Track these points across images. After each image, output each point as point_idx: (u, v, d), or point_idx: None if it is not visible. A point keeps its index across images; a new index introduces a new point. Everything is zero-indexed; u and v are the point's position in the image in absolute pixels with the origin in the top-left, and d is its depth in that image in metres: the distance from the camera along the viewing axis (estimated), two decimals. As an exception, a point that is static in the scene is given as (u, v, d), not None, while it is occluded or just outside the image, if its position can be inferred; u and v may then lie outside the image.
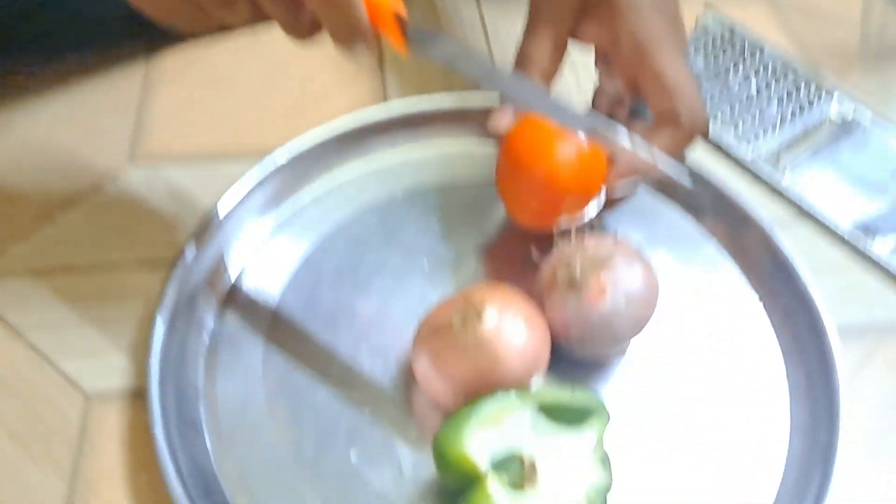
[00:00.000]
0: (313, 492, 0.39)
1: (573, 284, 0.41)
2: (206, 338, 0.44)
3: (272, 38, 0.61)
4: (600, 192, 0.46)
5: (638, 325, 0.42)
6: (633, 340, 0.44)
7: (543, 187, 0.45)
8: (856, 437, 0.43)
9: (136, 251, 0.49)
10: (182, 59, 0.60)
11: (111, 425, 0.42)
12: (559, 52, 0.48)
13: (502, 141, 0.47)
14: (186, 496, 0.37)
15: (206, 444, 0.41)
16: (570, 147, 0.44)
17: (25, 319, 0.46)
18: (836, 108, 0.58)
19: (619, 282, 0.41)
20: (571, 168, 0.44)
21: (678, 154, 0.46)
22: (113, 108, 0.56)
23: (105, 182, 0.52)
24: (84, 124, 0.55)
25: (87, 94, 0.57)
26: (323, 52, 0.61)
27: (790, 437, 0.42)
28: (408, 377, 0.43)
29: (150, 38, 0.60)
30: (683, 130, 0.45)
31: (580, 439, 0.38)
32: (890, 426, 0.44)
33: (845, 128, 0.57)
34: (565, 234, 0.44)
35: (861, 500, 0.41)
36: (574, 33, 0.48)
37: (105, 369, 0.44)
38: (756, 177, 0.55)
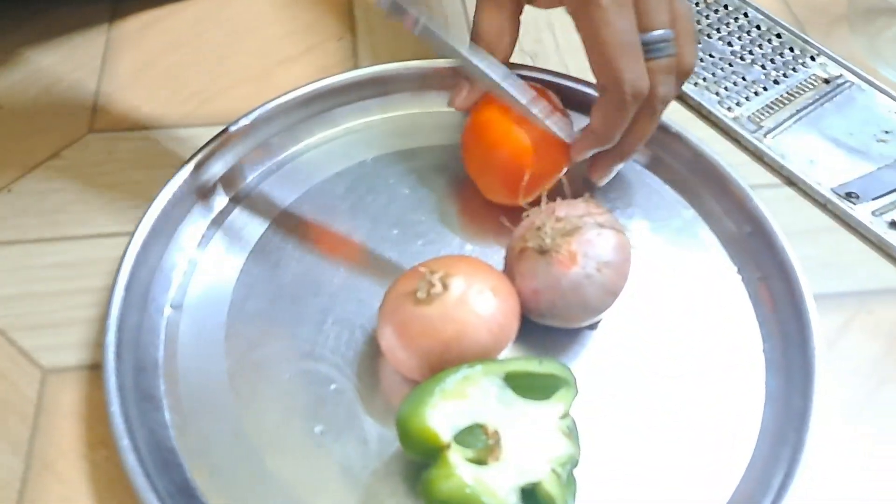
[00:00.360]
0: (275, 465, 0.38)
1: (543, 251, 0.40)
2: (166, 311, 0.43)
3: (238, 1, 0.60)
4: (564, 167, 0.45)
5: (610, 294, 0.41)
6: (606, 312, 0.43)
7: (507, 167, 0.44)
8: (833, 404, 0.43)
9: (94, 222, 0.48)
10: (145, 23, 0.59)
11: (69, 401, 0.41)
12: (510, 25, 0.45)
13: (467, 118, 0.46)
14: (143, 472, 0.36)
15: (165, 419, 0.40)
16: (533, 126, 0.44)
17: (-20, 294, 0.45)
18: (820, 70, 0.57)
19: (591, 248, 0.40)
20: (534, 147, 0.44)
21: (609, 124, 0.43)
22: (74, 73, 0.55)
23: (64, 150, 0.51)
24: (44, 89, 0.54)
25: (48, 59, 0.56)
26: (291, 15, 0.59)
27: (764, 406, 0.41)
28: (374, 349, 0.42)
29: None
30: (606, 98, 0.42)
31: (547, 411, 0.36)
32: (868, 393, 0.44)
33: (829, 91, 0.56)
34: (535, 201, 0.42)
35: (838, 468, 0.41)
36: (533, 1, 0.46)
37: (62, 344, 0.43)
38: (737, 141, 0.54)
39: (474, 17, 0.46)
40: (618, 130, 0.42)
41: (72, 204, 0.48)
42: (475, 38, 0.45)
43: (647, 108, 0.42)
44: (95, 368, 0.42)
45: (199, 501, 0.37)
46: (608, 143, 0.43)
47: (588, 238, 0.40)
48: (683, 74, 0.43)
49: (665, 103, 0.43)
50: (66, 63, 0.56)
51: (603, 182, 0.46)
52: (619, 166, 0.46)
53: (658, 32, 0.41)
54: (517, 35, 0.46)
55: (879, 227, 0.49)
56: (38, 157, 0.50)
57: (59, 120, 0.52)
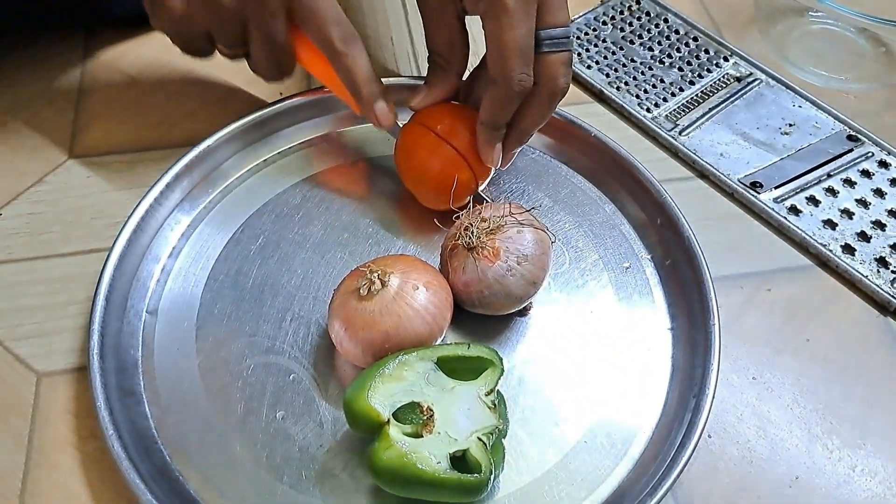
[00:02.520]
0: (243, 448, 0.44)
1: (471, 248, 0.45)
2: (143, 316, 0.48)
3: None
4: (487, 177, 0.51)
5: (531, 284, 0.46)
6: (534, 300, 0.49)
7: (438, 179, 0.50)
8: (735, 371, 0.48)
9: (77, 241, 0.52)
10: (116, 54, 0.63)
11: (61, 400, 0.46)
12: (459, 37, 0.50)
13: (397, 137, 0.51)
14: (128, 458, 0.41)
15: (146, 412, 0.45)
16: (458, 139, 0.49)
17: (-23, 309, 0.49)
18: (733, 70, 0.63)
19: (511, 244, 0.45)
20: (461, 158, 0.49)
21: (496, 113, 0.47)
22: (52, 104, 0.60)
23: (47, 176, 0.55)
24: (25, 121, 0.59)
25: (27, 91, 0.60)
26: None
27: (670, 377, 0.47)
28: (328, 342, 0.47)
29: (87, 27, 0.63)
30: (495, 90, 0.46)
31: (474, 389, 0.42)
32: (766, 361, 0.49)
33: (740, 89, 0.61)
34: (465, 206, 0.48)
35: (737, 426, 0.47)
36: (466, 12, 0.50)
37: (53, 350, 0.48)
38: (655, 139, 0.59)
39: (426, 36, 0.51)
40: (503, 119, 0.48)
41: (56, 225, 0.53)
42: (431, 55, 0.51)
43: (543, 96, 0.47)
44: (83, 370, 0.47)
45: (179, 482, 0.43)
46: (496, 127, 0.48)
47: (509, 235, 0.46)
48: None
49: (564, 93, 0.48)
50: (45, 94, 0.60)
51: (506, 166, 0.51)
52: (518, 150, 0.51)
53: (559, 30, 0.46)
54: (468, 43, 0.51)
55: (780, 213, 0.55)
56: (24, 183, 0.55)
57: (42, 148, 0.57)
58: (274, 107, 0.56)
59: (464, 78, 0.52)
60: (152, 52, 0.63)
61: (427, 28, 0.51)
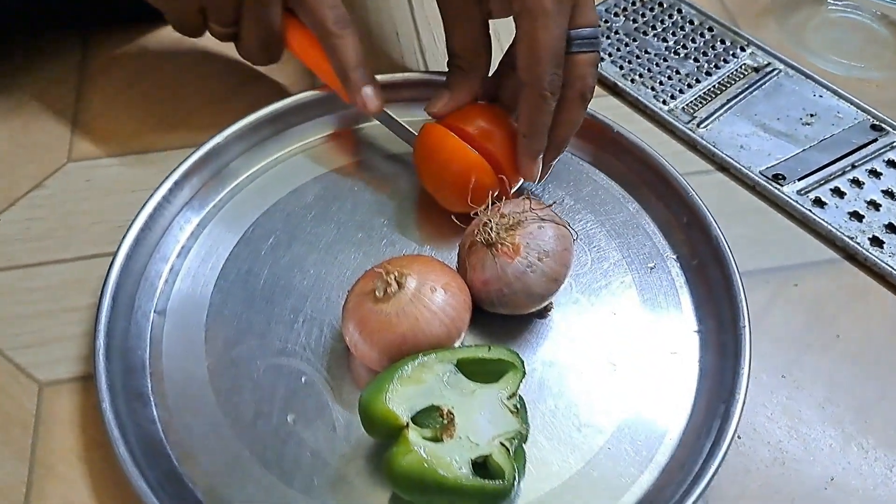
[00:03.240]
0: (252, 453, 0.42)
1: (490, 244, 0.44)
2: (150, 317, 0.47)
3: None
4: (509, 183, 0.49)
5: (552, 281, 0.44)
6: (554, 301, 0.47)
7: (459, 182, 0.48)
8: (762, 370, 0.47)
9: (78, 246, 0.51)
10: (114, 54, 0.61)
11: (65, 410, 0.45)
12: (484, 40, 0.49)
13: (417, 139, 0.50)
14: (134, 462, 0.40)
15: (153, 415, 0.43)
16: (481, 143, 0.48)
17: (-22, 317, 0.48)
18: (750, 60, 0.61)
19: (532, 240, 0.44)
20: (483, 161, 0.47)
21: (534, 119, 0.46)
22: (51, 107, 0.58)
23: (46, 180, 0.54)
24: (23, 124, 0.57)
25: (25, 94, 0.59)
26: None
27: (698, 382, 0.45)
28: (341, 344, 0.46)
29: (85, 28, 0.62)
30: (526, 94, 0.46)
31: (496, 392, 0.41)
32: (793, 360, 0.48)
33: (759, 79, 0.60)
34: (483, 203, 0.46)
35: (766, 430, 0.45)
36: (491, 14, 0.49)
37: (56, 359, 0.46)
38: (672, 132, 0.58)
39: (447, 38, 0.50)
40: (543, 124, 0.46)
41: (56, 230, 0.52)
42: (453, 58, 0.50)
43: (575, 98, 0.46)
44: (87, 379, 0.45)
45: (187, 488, 0.41)
46: (538, 139, 0.47)
47: (530, 231, 0.44)
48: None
49: (592, 92, 0.47)
50: (43, 97, 0.58)
51: (543, 179, 0.50)
52: (556, 160, 0.49)
53: (589, 30, 0.46)
54: (491, 49, 0.50)
55: (805, 205, 0.53)
56: (22, 188, 0.53)
57: (40, 152, 0.55)
58: (285, 102, 0.54)
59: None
60: (149, 53, 0.62)
61: (449, 30, 0.50)
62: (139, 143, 0.56)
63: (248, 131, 0.53)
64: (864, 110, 0.58)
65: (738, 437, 0.44)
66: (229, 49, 0.60)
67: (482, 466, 0.39)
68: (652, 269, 0.50)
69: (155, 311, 0.47)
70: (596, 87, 0.55)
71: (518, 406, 0.41)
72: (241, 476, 0.42)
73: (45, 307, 0.48)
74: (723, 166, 0.56)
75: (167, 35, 0.62)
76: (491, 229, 0.44)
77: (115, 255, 0.47)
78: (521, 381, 0.41)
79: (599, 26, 0.46)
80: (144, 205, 0.49)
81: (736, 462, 0.44)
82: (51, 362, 0.46)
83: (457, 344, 0.43)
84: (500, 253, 0.44)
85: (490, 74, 0.51)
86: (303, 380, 0.45)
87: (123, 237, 0.47)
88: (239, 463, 0.42)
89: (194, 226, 0.51)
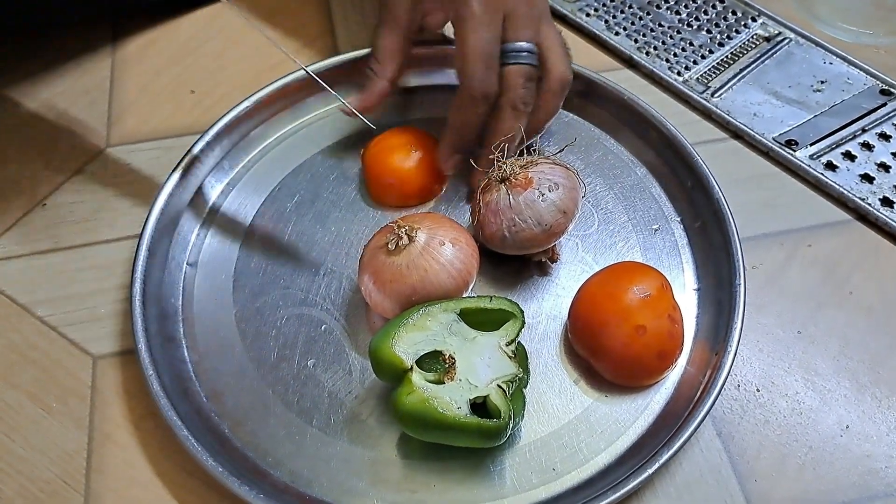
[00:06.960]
0: (274, 393, 0.46)
1: (503, 178, 0.46)
2: (183, 268, 0.51)
3: (228, 12, 0.65)
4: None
5: (561, 212, 0.46)
6: (561, 259, 0.50)
7: (392, 191, 0.53)
8: (781, 323, 0.49)
9: (121, 226, 0.54)
10: (145, 43, 0.64)
11: (116, 381, 0.48)
12: (403, 48, 0.52)
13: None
14: (166, 396, 0.44)
15: (185, 356, 0.47)
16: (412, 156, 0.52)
17: (32, 297, 0.51)
18: (761, 30, 0.62)
19: (543, 175, 0.46)
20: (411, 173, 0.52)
21: (460, 116, 0.49)
22: (86, 95, 0.61)
23: (86, 165, 0.57)
24: (61, 113, 0.60)
25: (61, 85, 0.61)
26: (274, 23, 0.65)
27: (694, 334, 0.48)
28: (358, 295, 0.49)
29: (113, 19, 0.65)
30: (459, 94, 0.49)
31: (496, 339, 0.43)
32: (809, 315, 0.50)
33: (770, 48, 0.61)
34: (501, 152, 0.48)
35: (786, 374, 0.47)
36: (423, 26, 0.52)
37: (106, 334, 0.49)
38: (687, 102, 0.59)
39: (372, 38, 0.52)
40: (468, 124, 0.49)
41: (99, 212, 0.54)
42: (372, 56, 0.53)
43: (506, 107, 0.49)
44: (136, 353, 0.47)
45: (213, 422, 0.45)
46: (456, 133, 0.50)
47: (542, 169, 0.47)
48: (558, 82, 0.50)
49: (525, 104, 0.49)
50: (78, 86, 0.61)
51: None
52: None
53: (519, 44, 0.49)
54: (408, 57, 0.53)
55: (817, 169, 0.54)
56: (65, 173, 0.56)
57: (79, 139, 0.58)
58: (313, 68, 0.57)
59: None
60: (179, 40, 0.64)
61: (377, 32, 0.52)
62: (174, 127, 0.59)
63: (277, 97, 0.56)
64: (872, 76, 0.59)
65: (757, 391, 0.47)
66: (253, 36, 0.63)
67: (482, 407, 0.42)
68: (656, 230, 0.52)
69: (188, 263, 0.51)
70: (613, 60, 0.57)
71: (516, 352, 0.44)
72: (265, 413, 0.45)
73: (93, 286, 0.51)
74: (737, 134, 0.57)
75: (194, 22, 0.65)
76: (505, 166, 0.47)
77: (149, 210, 0.50)
78: (520, 329, 0.44)
79: (532, 44, 0.49)
80: (177, 165, 0.52)
81: (756, 413, 0.46)
82: (102, 337, 0.49)
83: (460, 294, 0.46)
84: (513, 185, 0.46)
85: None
86: (322, 328, 0.48)
87: (158, 193, 0.51)
88: (263, 402, 0.46)
89: (224, 184, 0.54)
